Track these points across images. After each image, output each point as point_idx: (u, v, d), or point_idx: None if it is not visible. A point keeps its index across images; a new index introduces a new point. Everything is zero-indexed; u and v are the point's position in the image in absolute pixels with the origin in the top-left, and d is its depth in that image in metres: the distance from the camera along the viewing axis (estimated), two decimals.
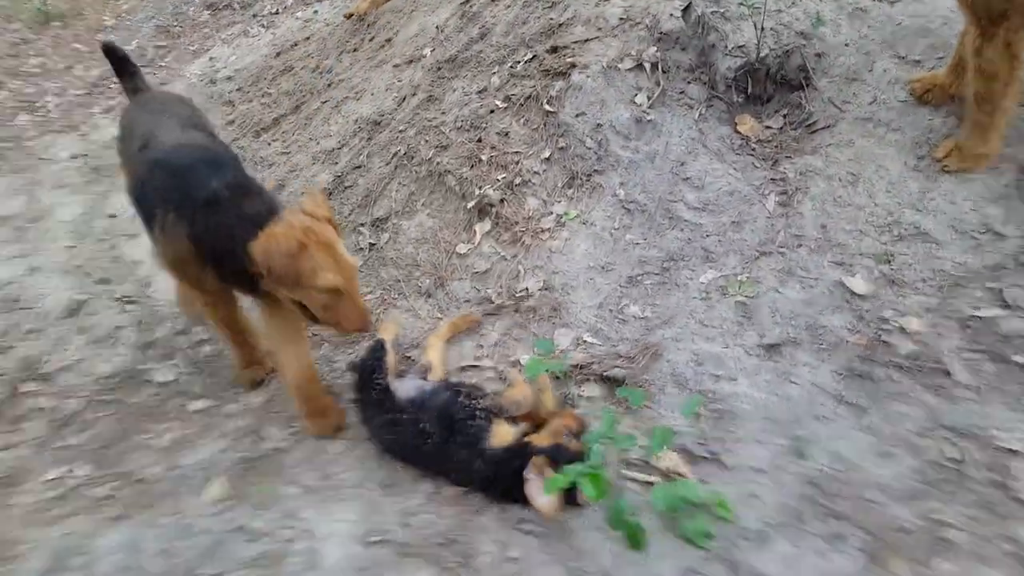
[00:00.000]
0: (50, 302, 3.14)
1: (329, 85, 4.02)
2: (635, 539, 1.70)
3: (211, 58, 5.52)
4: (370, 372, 2.06)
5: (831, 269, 2.16)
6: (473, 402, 1.90)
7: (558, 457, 1.75)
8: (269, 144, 3.85)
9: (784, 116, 2.60)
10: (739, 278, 2.23)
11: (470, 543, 1.79)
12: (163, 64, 6.04)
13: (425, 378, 2.06)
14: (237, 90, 4.66)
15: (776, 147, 2.52)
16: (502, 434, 1.82)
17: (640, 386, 2.05)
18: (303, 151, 3.56)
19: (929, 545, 1.58)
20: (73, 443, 2.43)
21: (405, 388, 2.02)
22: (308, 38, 4.89)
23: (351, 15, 4.53)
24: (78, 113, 5.39)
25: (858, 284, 2.10)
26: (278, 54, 4.88)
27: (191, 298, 2.54)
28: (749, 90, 2.65)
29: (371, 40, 4.16)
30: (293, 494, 2.02)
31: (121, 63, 2.66)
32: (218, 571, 1.85)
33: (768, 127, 2.59)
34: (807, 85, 2.57)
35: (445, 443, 1.87)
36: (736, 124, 2.62)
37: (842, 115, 2.47)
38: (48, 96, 6.15)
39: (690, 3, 2.75)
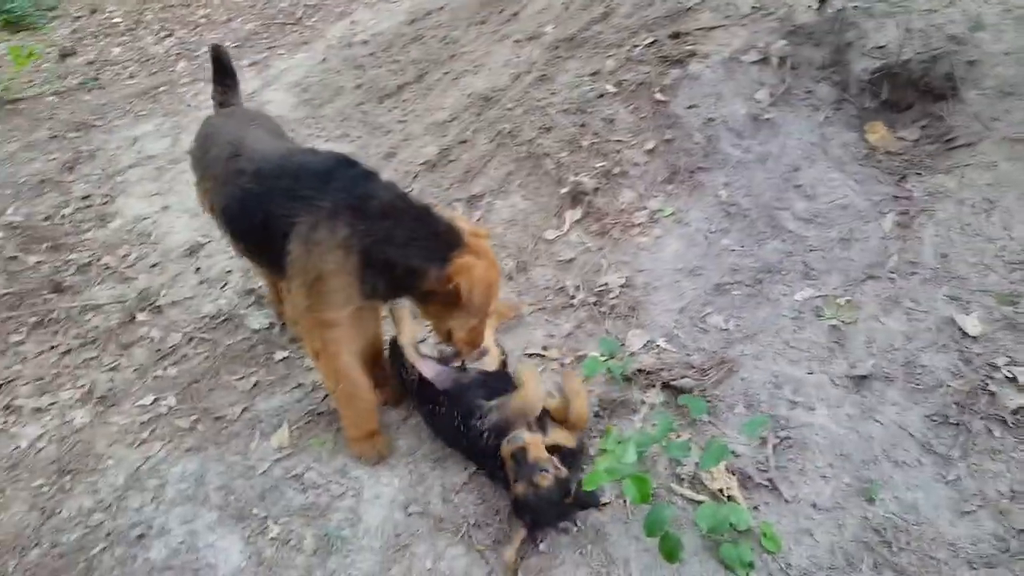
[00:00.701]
0: (174, 240, 3.36)
1: (452, 57, 4.04)
2: (670, 551, 1.61)
3: (352, 21, 5.69)
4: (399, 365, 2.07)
5: (944, 304, 1.93)
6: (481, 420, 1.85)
7: None
8: (389, 111, 3.92)
9: (922, 128, 2.33)
10: (838, 300, 2.04)
11: (503, 529, 1.76)
12: (309, 24, 6.29)
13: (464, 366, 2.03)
14: (369, 55, 4.78)
15: (906, 161, 2.28)
16: (536, 447, 1.75)
17: (708, 400, 1.92)
18: (418, 121, 3.60)
19: None
20: (168, 374, 2.60)
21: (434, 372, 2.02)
22: (442, 8, 4.93)
23: None
24: None
25: (972, 324, 1.86)
26: (412, 21, 4.95)
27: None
28: (885, 96, 2.40)
29: (500, 13, 4.13)
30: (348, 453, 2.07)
31: (223, 70, 2.57)
32: (268, 513, 1.94)
33: (901, 138, 2.34)
34: (953, 96, 2.29)
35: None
36: (865, 132, 2.38)
37: (988, 133, 2.19)
38: (206, 46, 6.59)
39: None
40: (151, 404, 2.45)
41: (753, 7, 2.71)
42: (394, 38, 4.86)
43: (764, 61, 2.57)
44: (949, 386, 1.80)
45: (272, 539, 1.88)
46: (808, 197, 2.28)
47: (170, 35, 7.34)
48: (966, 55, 2.31)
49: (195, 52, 6.40)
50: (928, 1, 2.38)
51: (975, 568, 1.49)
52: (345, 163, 1.87)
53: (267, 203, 1.84)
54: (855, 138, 2.38)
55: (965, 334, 1.86)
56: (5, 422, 2.43)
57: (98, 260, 3.22)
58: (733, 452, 1.82)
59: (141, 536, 1.94)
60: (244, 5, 7.89)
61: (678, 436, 1.88)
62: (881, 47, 2.40)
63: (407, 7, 5.42)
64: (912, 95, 2.38)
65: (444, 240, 1.75)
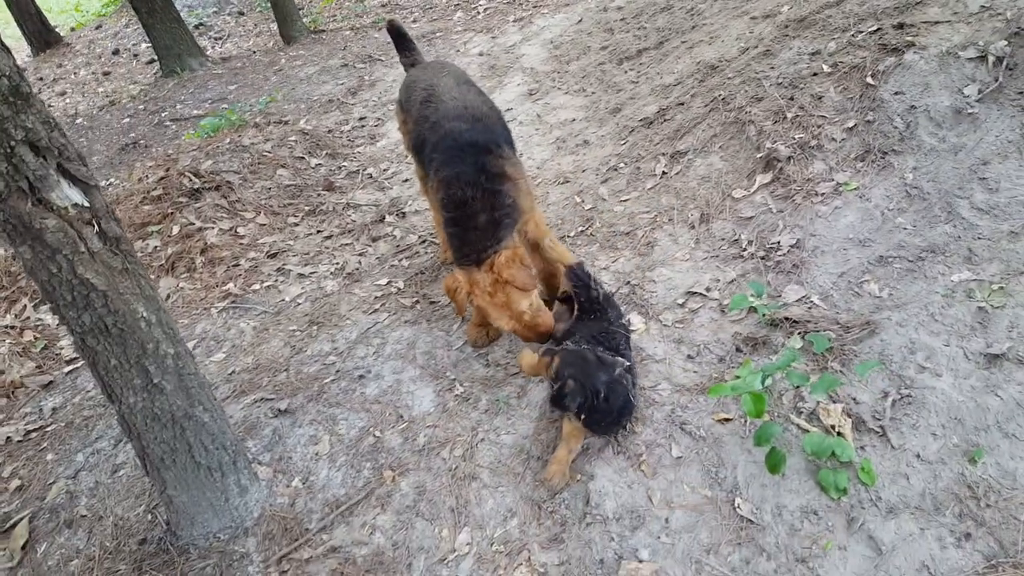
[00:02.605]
0: None
1: (693, 28, 4.35)
2: (775, 463, 1.95)
3: None
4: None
5: None
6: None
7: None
8: (626, 72, 4.35)
9: None
10: (992, 286, 2.18)
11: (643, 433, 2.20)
12: None
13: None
14: (621, 20, 5.21)
15: None
16: None
17: (844, 353, 2.19)
18: (648, 83, 4.00)
19: None
20: (402, 264, 3.30)
21: None
22: None
23: None
24: (496, 19, 6.47)
25: None
26: None
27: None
28: None
29: None
30: None
31: (401, 39, 3.05)
32: (457, 377, 2.54)
33: None
34: None
35: None
36: None
37: None
38: (481, 0, 7.41)
39: None
40: (385, 284, 3.15)
41: (982, 6, 2.75)
42: (646, 6, 5.24)
43: (981, 58, 2.64)
44: None
45: (456, 396, 2.46)
46: (990, 190, 2.39)
47: None
48: None
49: (474, 3, 7.24)
50: None
51: None
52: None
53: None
54: None
55: None
56: (276, 280, 3.23)
57: (364, 169, 4.00)
58: (854, 399, 2.09)
59: (362, 377, 2.61)
60: None
61: (805, 373, 2.18)
62: None
63: None
64: None
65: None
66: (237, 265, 3.08)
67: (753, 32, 3.66)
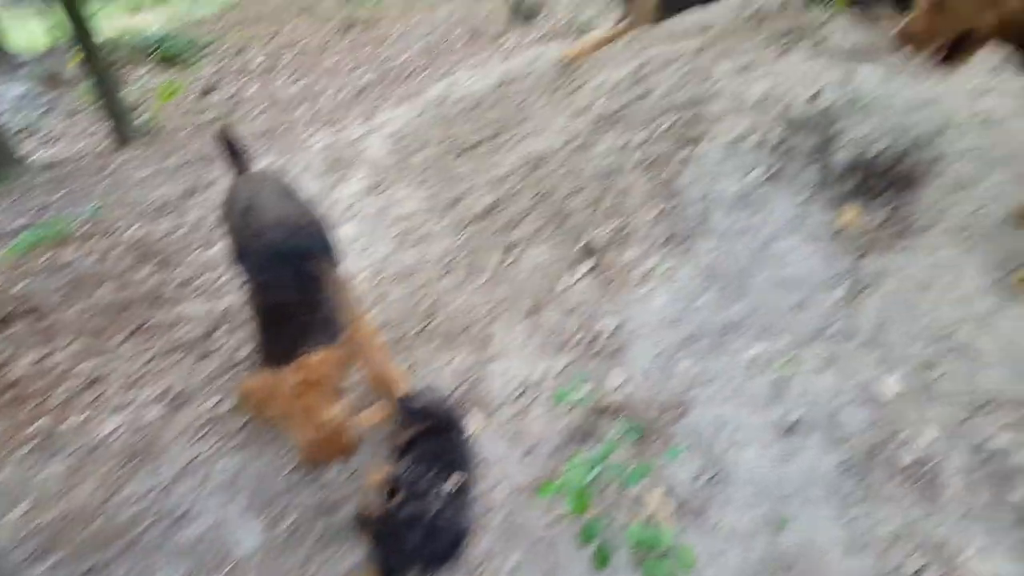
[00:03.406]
0: None
1: (523, 120, 4.59)
2: (601, 559, 2.00)
3: (452, 81, 6.38)
4: None
5: (870, 367, 2.25)
6: None
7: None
8: (464, 164, 4.51)
9: (886, 213, 2.65)
10: (785, 357, 2.39)
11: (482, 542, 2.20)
12: (417, 80, 7.08)
13: None
14: (459, 112, 5.42)
15: (868, 241, 2.60)
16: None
17: (658, 435, 2.32)
18: (483, 174, 4.15)
19: None
20: (231, 382, 3.20)
21: None
22: (528, 74, 5.51)
23: (563, 59, 5.07)
24: (340, 112, 6.57)
25: (890, 386, 2.17)
26: (499, 85, 5.55)
27: None
28: (860, 183, 2.73)
29: (568, 85, 4.65)
30: None
31: (231, 147, 3.03)
32: (288, 505, 2.46)
33: (869, 220, 2.66)
34: (917, 186, 2.60)
35: None
36: (839, 213, 2.72)
37: (939, 221, 2.49)
38: (327, 92, 7.51)
39: (819, 92, 2.88)
40: (213, 406, 2.84)
41: (758, 99, 3.09)
42: (482, 99, 5.48)
43: (761, 145, 2.95)
44: (860, 438, 2.12)
45: (287, 527, 2.33)
46: (777, 266, 2.63)
47: (298, 80, 8.35)
48: (933, 151, 2.62)
49: (318, 97, 7.32)
50: (904, 102, 2.70)
51: None
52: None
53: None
54: (829, 218, 2.72)
55: (883, 394, 2.17)
56: (92, 413, 2.82)
57: (196, 278, 3.87)
58: (673, 481, 2.20)
59: (182, 516, 2.39)
60: (369, 57, 8.87)
61: (625, 462, 2.28)
62: (861, 139, 2.73)
63: (501, 71, 6.06)
64: (882, 183, 2.70)
65: None
66: (48, 399, 2.89)
67: (573, 126, 3.91)
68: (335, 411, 2.09)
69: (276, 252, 2.34)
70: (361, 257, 3.66)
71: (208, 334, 3.32)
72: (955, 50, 2.05)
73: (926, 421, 2.07)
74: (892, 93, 2.80)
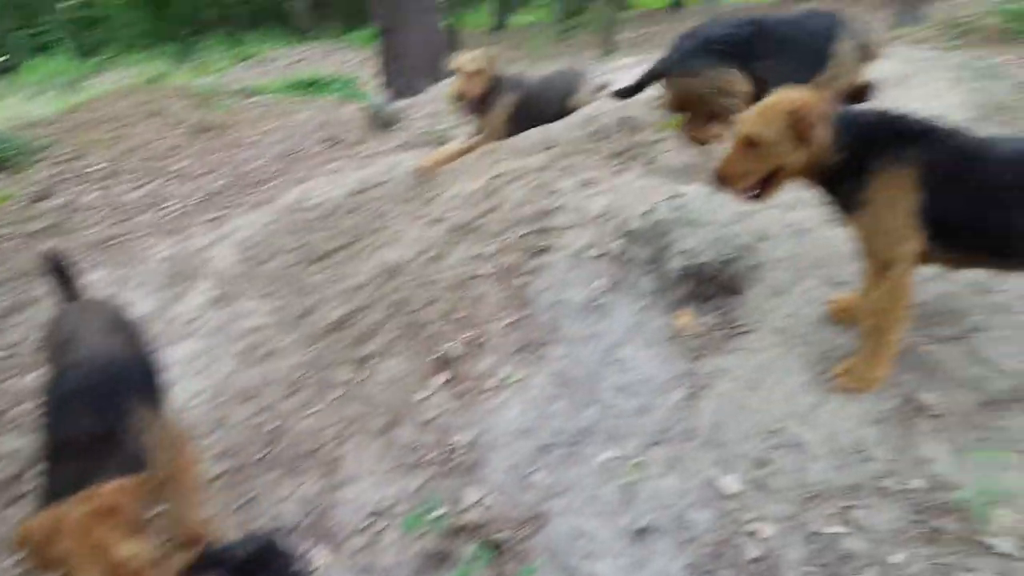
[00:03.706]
0: None
1: (378, 229, 4.62)
2: None
3: (307, 188, 6.35)
4: None
5: (710, 466, 2.34)
6: None
7: None
8: (316, 274, 4.44)
9: (717, 316, 2.85)
10: (632, 462, 2.45)
11: None
12: (271, 186, 7.00)
13: None
14: (313, 219, 5.38)
15: (702, 344, 2.77)
16: None
17: (513, 553, 2.28)
18: (336, 285, 4.10)
19: None
20: None
21: None
22: (384, 183, 5.59)
23: (419, 169, 5.20)
24: (187, 219, 6.34)
25: (729, 484, 2.27)
26: (356, 193, 5.59)
27: None
28: (692, 289, 2.94)
29: (424, 195, 4.76)
30: None
31: (59, 271, 2.91)
32: None
33: (702, 324, 2.85)
34: (741, 292, 2.83)
35: None
36: (675, 317, 2.89)
37: (762, 323, 2.70)
38: (173, 199, 7.24)
39: (650, 208, 3.11)
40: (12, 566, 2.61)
41: (599, 213, 3.30)
42: (337, 207, 5.48)
43: (603, 256, 3.13)
44: (706, 538, 2.19)
45: None
46: (622, 371, 2.74)
47: (143, 185, 8.00)
48: (751, 260, 2.88)
49: (162, 205, 7.03)
50: (726, 216, 2.97)
51: None
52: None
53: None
54: (666, 323, 2.89)
55: (723, 494, 2.27)
56: None
57: (7, 411, 3.51)
58: None
59: None
60: (221, 161, 8.68)
61: None
62: (689, 250, 2.96)
63: (357, 179, 6.11)
64: (712, 289, 2.92)
65: None
66: None
67: (427, 236, 3.98)
68: (134, 549, 1.79)
69: (79, 390, 2.19)
70: (200, 377, 3.47)
71: (19, 475, 2.99)
72: (766, 185, 2.29)
73: (764, 517, 2.17)
74: (715, 208, 3.06)
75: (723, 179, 2.27)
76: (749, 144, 2.21)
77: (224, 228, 5.76)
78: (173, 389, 3.46)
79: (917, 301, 2.53)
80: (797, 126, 2.15)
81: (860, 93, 4.15)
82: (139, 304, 4.54)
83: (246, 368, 3.50)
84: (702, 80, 3.64)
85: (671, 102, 3.88)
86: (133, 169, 8.71)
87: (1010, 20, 8.34)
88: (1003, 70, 5.73)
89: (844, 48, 3.79)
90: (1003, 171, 2.07)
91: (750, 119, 2.22)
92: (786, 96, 2.21)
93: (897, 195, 2.14)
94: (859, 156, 2.17)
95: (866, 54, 3.93)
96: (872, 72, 4.33)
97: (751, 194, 2.30)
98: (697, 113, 3.86)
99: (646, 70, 3.85)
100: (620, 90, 4.00)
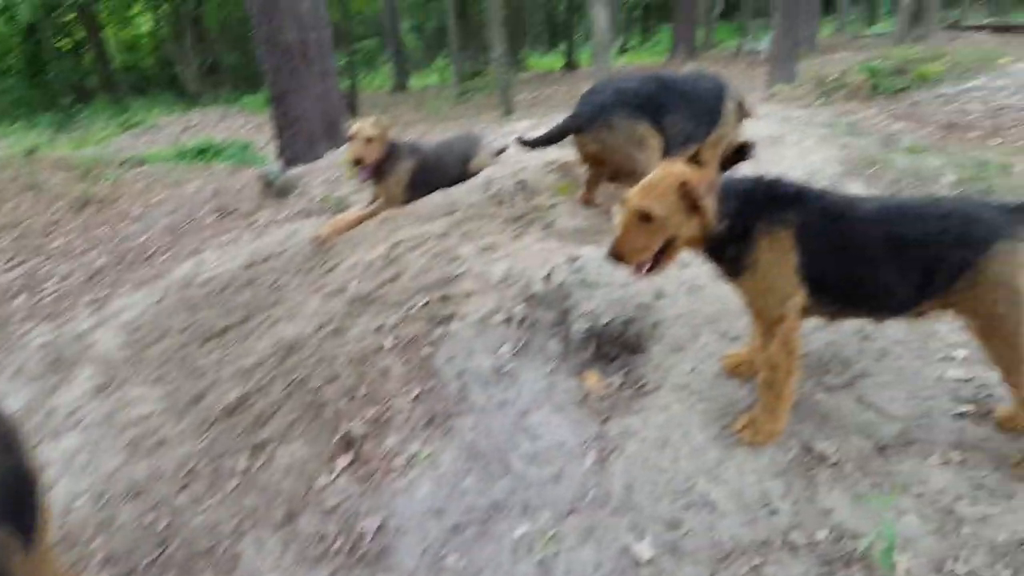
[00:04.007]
0: None
1: (275, 303, 4.45)
2: None
3: (199, 261, 6.09)
4: None
5: (625, 532, 2.31)
6: None
7: None
8: (209, 354, 4.21)
9: (624, 376, 2.87)
10: (547, 534, 2.39)
11: None
12: (159, 262, 6.67)
13: None
14: (205, 296, 5.13)
15: (610, 404, 2.77)
16: None
17: None
18: (231, 365, 3.90)
19: None
20: None
21: None
22: (281, 253, 5.43)
23: (317, 238, 5.08)
24: (68, 301, 5.94)
25: (644, 550, 2.24)
26: (250, 265, 5.40)
27: None
28: (597, 350, 2.95)
29: (322, 265, 4.64)
30: None
31: None
32: None
33: (609, 384, 2.86)
34: (643, 350, 2.86)
35: None
36: (583, 379, 2.89)
37: (666, 381, 2.73)
38: (52, 279, 6.79)
39: (551, 271, 3.13)
40: None
41: (501, 278, 3.29)
42: (231, 280, 5.26)
43: (508, 321, 3.11)
44: None
45: None
46: (533, 439, 2.70)
47: (18, 266, 7.48)
48: (651, 318, 2.93)
49: (39, 286, 6.57)
50: (623, 277, 3.02)
51: None
52: None
53: None
54: (575, 385, 2.88)
55: (638, 561, 2.23)
56: None
57: None
58: None
59: None
60: (103, 238, 8.25)
61: None
62: (591, 312, 2.98)
63: (251, 250, 5.91)
64: (616, 349, 2.94)
65: None
66: None
67: (327, 308, 3.86)
68: None
69: None
70: (83, 474, 3.20)
71: None
72: (659, 257, 2.32)
73: None
74: (612, 270, 3.11)
75: (619, 257, 2.29)
76: (642, 219, 2.24)
77: (108, 309, 5.42)
78: (52, 491, 3.17)
79: (806, 351, 2.64)
80: (688, 198, 2.21)
81: (741, 151, 4.39)
82: (14, 396, 4.17)
83: (134, 461, 3.24)
84: (617, 133, 3.76)
85: (585, 156, 3.97)
86: (5, 248, 8.16)
87: (872, 76, 9.12)
88: (869, 125, 6.23)
89: (729, 107, 4.03)
90: (867, 229, 2.21)
91: (641, 195, 2.26)
92: (672, 170, 2.27)
93: (779, 255, 2.24)
94: (742, 222, 2.26)
95: (743, 113, 4.19)
96: (750, 131, 4.59)
97: (646, 268, 2.33)
98: (606, 168, 3.97)
99: (559, 124, 3.92)
100: (531, 140, 4.04)
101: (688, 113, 3.98)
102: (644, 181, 2.30)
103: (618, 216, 2.53)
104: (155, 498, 2.96)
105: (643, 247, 2.27)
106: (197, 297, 5.17)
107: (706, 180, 2.24)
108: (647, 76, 4.06)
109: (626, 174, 3.86)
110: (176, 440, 3.33)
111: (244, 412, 3.35)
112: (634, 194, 2.27)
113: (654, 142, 3.84)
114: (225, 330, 4.45)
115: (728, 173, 3.22)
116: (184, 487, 2.98)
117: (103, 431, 3.58)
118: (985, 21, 22.95)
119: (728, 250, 2.31)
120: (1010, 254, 2.09)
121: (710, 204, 2.23)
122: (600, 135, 3.81)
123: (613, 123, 3.77)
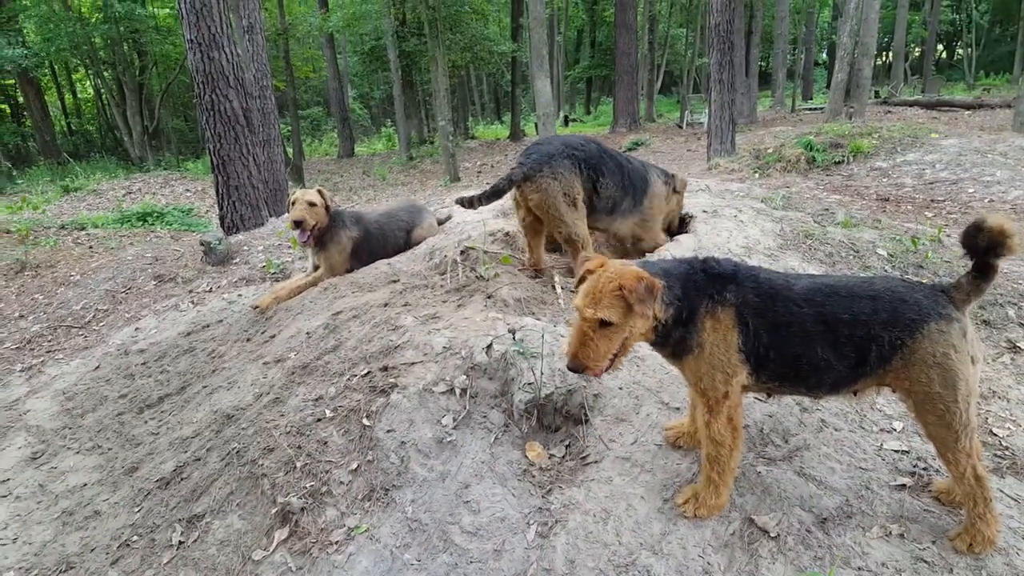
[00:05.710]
0: None
1: (214, 371, 4.36)
2: None
3: (137, 328, 5.94)
4: None
5: None
6: None
7: None
8: (146, 423, 4.08)
9: (566, 447, 2.88)
10: None
11: None
12: (95, 329, 6.47)
13: None
14: (142, 364, 5.00)
15: (553, 476, 2.77)
16: None
17: None
18: (168, 434, 3.78)
19: None
20: None
21: None
22: (221, 321, 5.35)
23: (257, 307, 5.03)
24: (1, 367, 5.68)
25: None
26: (189, 332, 5.30)
27: None
28: (537, 421, 2.97)
29: (262, 333, 4.58)
30: None
31: None
32: None
33: (552, 455, 2.87)
34: (585, 421, 2.89)
35: None
36: (526, 450, 2.89)
37: (608, 452, 2.75)
38: None
39: (492, 342, 3.17)
40: None
41: (443, 348, 3.31)
42: (169, 348, 5.15)
43: (451, 392, 3.11)
44: None
45: None
46: (474, 512, 2.67)
47: None
48: (593, 389, 2.96)
49: None
50: (564, 347, 3.07)
51: None
52: None
53: None
54: (519, 456, 2.88)
55: None
56: None
57: None
58: None
59: None
60: (39, 304, 7.98)
61: None
62: (533, 383, 3.01)
63: (190, 318, 5.80)
64: (559, 419, 2.96)
65: None
66: None
67: (266, 378, 3.80)
68: None
69: None
70: (13, 547, 3.03)
71: None
72: (615, 357, 2.32)
73: None
74: (552, 340, 3.17)
75: (581, 367, 2.28)
76: (599, 326, 2.24)
77: (43, 376, 5.23)
78: None
79: (747, 422, 2.70)
80: (640, 300, 2.19)
81: (680, 224, 4.58)
82: None
83: (66, 533, 3.08)
84: (560, 184, 3.86)
85: (527, 211, 4.03)
86: None
87: (809, 151, 9.62)
88: (805, 198, 6.53)
89: (656, 180, 4.23)
90: (801, 308, 2.28)
91: (591, 303, 2.23)
92: (619, 272, 2.25)
93: (722, 335, 2.29)
94: (687, 305, 2.31)
95: (673, 186, 4.40)
96: (688, 206, 4.79)
97: (604, 369, 2.33)
98: (544, 227, 4.07)
99: (504, 176, 3.98)
100: (476, 196, 4.07)
101: (626, 178, 4.15)
102: (587, 288, 2.27)
103: (569, 327, 2.55)
104: (87, 573, 2.80)
105: (604, 353, 2.26)
106: (134, 365, 5.03)
107: (644, 279, 2.21)
108: (587, 137, 4.24)
109: (557, 233, 3.96)
110: (110, 512, 3.18)
111: (180, 483, 3.23)
112: (584, 304, 2.24)
113: (583, 205, 3.98)
114: (162, 399, 4.33)
115: (660, 255, 3.33)
116: (116, 560, 2.84)
117: (35, 502, 3.40)
118: (916, 97, 24.45)
119: (673, 334, 2.35)
120: (942, 334, 2.15)
121: (659, 299, 2.25)
122: (543, 184, 3.89)
123: (558, 172, 3.88)
